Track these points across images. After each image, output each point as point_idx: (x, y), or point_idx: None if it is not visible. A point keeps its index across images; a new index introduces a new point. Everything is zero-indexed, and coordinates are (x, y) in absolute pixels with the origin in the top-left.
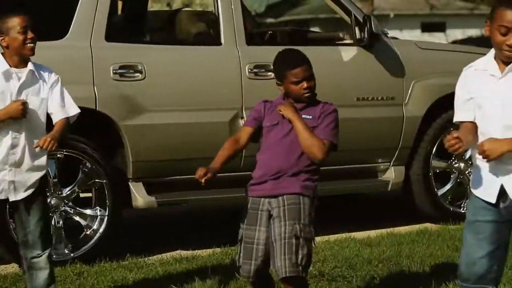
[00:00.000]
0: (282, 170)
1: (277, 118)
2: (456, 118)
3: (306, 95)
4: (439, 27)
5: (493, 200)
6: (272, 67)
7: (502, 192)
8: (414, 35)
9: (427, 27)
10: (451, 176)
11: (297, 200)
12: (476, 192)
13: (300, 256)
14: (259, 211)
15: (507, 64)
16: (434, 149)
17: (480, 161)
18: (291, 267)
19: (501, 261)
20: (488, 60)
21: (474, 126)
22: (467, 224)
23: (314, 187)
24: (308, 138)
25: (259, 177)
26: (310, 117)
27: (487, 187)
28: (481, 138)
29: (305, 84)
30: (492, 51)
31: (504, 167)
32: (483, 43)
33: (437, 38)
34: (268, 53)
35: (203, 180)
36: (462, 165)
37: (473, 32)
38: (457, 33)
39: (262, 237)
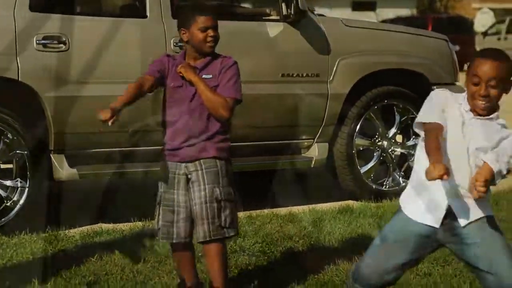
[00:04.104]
0: (195, 135)
1: (181, 79)
2: (425, 118)
3: (210, 44)
4: (369, 6)
5: (437, 224)
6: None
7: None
8: (344, 13)
9: (357, 6)
10: (374, 154)
11: (214, 163)
12: (413, 214)
13: (223, 218)
14: (176, 175)
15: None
16: (358, 126)
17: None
18: (215, 230)
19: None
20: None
21: (441, 128)
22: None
23: (228, 148)
24: (211, 99)
25: (173, 144)
26: (211, 76)
27: (431, 210)
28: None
29: (211, 32)
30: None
31: (454, 187)
32: (412, 23)
33: (368, 17)
34: None
35: (110, 123)
36: (385, 143)
37: (404, 11)
38: (387, 12)
39: (182, 200)
